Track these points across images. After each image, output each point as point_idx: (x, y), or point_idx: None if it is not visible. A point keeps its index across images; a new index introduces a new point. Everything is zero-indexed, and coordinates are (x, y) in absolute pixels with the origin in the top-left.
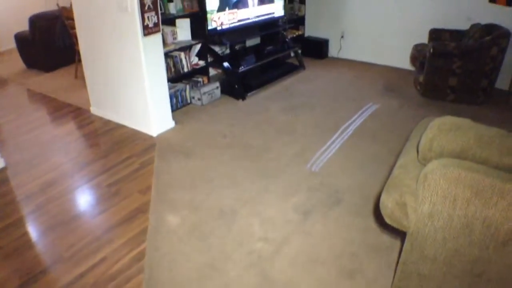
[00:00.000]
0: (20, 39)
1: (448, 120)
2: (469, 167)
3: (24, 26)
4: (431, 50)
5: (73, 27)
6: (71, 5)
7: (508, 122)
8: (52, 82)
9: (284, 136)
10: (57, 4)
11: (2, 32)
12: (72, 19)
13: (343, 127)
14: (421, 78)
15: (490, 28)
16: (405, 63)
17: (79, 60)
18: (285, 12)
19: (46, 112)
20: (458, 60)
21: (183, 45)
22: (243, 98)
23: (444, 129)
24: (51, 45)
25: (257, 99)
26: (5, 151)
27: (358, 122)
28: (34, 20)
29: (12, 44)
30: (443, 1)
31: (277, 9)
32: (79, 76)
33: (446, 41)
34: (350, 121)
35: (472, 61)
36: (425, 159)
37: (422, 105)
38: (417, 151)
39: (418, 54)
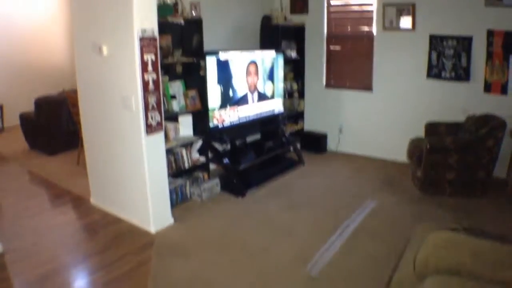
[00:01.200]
0: (25, 119)
1: (443, 236)
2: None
3: (30, 106)
4: (428, 146)
5: (78, 114)
6: (76, 91)
7: (508, 212)
8: (54, 166)
9: (283, 237)
10: (63, 89)
11: (7, 108)
12: (77, 106)
13: (342, 226)
14: (418, 173)
15: (486, 119)
16: (402, 156)
17: (82, 147)
18: (284, 108)
19: (46, 198)
20: (454, 154)
21: (184, 141)
22: (243, 195)
23: (439, 246)
24: (55, 128)
25: (256, 196)
26: (4, 236)
27: (358, 221)
28: (40, 103)
29: (16, 121)
30: (438, 94)
31: (276, 105)
32: (81, 163)
33: (442, 136)
34: (349, 220)
35: (469, 155)
36: (422, 275)
37: (420, 201)
38: (414, 265)
39: (414, 150)
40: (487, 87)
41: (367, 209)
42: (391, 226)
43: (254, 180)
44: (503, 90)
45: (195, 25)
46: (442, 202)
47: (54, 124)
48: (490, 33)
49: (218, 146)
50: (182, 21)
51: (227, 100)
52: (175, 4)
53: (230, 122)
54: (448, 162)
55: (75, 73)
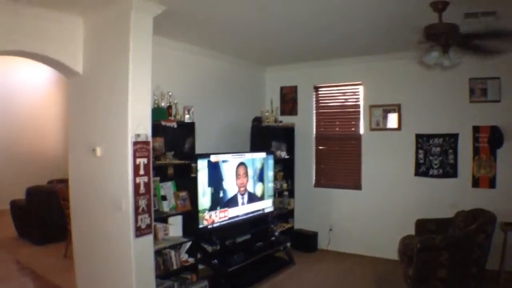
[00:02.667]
0: (15, 207)
1: None
2: None
3: (21, 194)
4: (418, 246)
5: (68, 208)
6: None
7: None
8: (42, 257)
9: None
10: (51, 180)
11: None
12: (68, 201)
13: None
14: (410, 272)
15: (475, 214)
16: (393, 254)
17: (70, 240)
18: (274, 207)
19: None
20: (445, 252)
21: (173, 241)
22: None
23: None
24: (45, 219)
25: None
26: None
27: None
28: (32, 192)
29: (6, 206)
30: (427, 191)
31: (266, 205)
32: (69, 256)
33: (433, 233)
34: None
35: (460, 252)
36: None
37: None
38: None
39: (405, 248)
40: (475, 182)
41: None
42: None
43: (244, 282)
44: (491, 184)
45: (188, 128)
46: None
47: (44, 215)
48: (476, 129)
49: (207, 247)
50: (175, 125)
51: (217, 202)
52: (169, 107)
53: (220, 223)
54: (439, 260)
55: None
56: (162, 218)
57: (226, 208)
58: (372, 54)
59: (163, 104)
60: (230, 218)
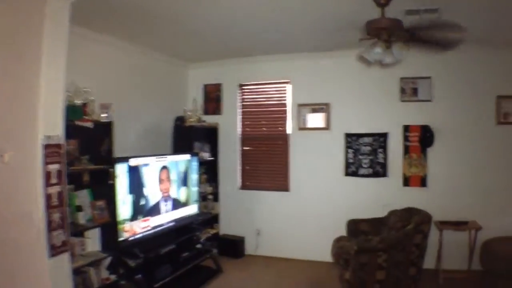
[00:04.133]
0: None
1: None
2: None
3: None
4: (355, 248)
5: None
6: None
7: None
8: None
9: None
10: None
11: None
12: None
13: None
14: (346, 275)
15: (409, 212)
16: (326, 256)
17: None
18: (199, 213)
19: None
20: (383, 254)
21: (92, 257)
22: None
23: None
24: None
25: None
26: None
27: None
28: None
29: None
30: (358, 191)
31: (191, 211)
32: None
33: (365, 234)
34: None
35: (398, 253)
36: None
37: None
38: None
39: (341, 251)
40: (406, 181)
41: None
42: None
43: None
44: (423, 183)
45: (105, 129)
46: None
47: None
48: (406, 128)
49: (129, 261)
50: (91, 125)
51: (139, 210)
52: (84, 105)
53: (143, 234)
54: (377, 262)
55: None
56: (78, 231)
57: (148, 217)
58: (300, 51)
59: (77, 101)
60: (153, 228)
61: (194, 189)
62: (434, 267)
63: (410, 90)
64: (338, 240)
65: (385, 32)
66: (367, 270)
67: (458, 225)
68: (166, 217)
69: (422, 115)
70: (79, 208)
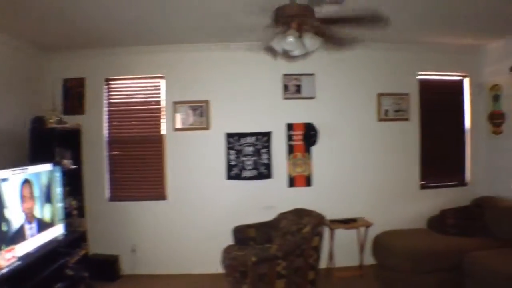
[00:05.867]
0: None
1: None
2: None
3: None
4: (253, 259)
5: None
6: None
7: None
8: None
9: None
10: None
11: None
12: None
13: None
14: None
15: (300, 214)
16: (214, 267)
17: None
18: (66, 233)
19: None
20: (282, 261)
21: None
22: None
23: None
24: None
25: None
26: None
27: None
28: None
29: None
30: (241, 195)
31: (58, 232)
32: None
33: (253, 241)
34: None
35: (297, 258)
36: None
37: None
38: None
39: (235, 263)
40: (292, 182)
41: None
42: None
43: None
44: (308, 183)
45: None
46: None
47: None
48: (290, 127)
49: None
50: None
51: (2, 238)
52: None
53: (9, 268)
54: (276, 270)
55: None
56: None
57: (13, 245)
58: (176, 43)
59: None
60: (20, 259)
61: (59, 205)
62: (326, 266)
63: (293, 87)
64: (228, 250)
65: (295, 20)
66: (267, 280)
67: (348, 222)
68: (33, 242)
69: (305, 113)
70: None
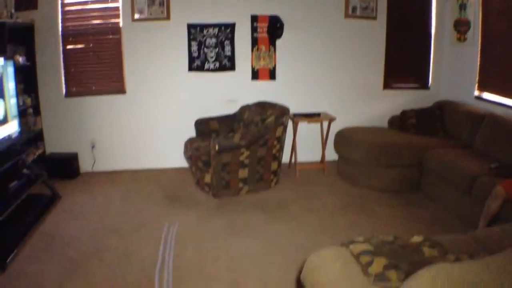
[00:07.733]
0: None
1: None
2: None
3: None
4: (217, 148)
5: None
6: None
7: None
8: None
9: None
10: None
11: None
12: None
13: (155, 273)
14: (207, 178)
15: (263, 106)
16: (177, 162)
17: None
18: (21, 131)
19: None
20: (246, 151)
21: None
22: (3, 268)
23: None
24: None
25: (20, 262)
26: None
27: (170, 260)
28: None
29: None
30: (204, 87)
31: (12, 130)
32: None
33: (216, 133)
34: (158, 261)
35: (260, 148)
36: None
37: (220, 209)
38: None
39: (197, 153)
40: (255, 74)
41: (171, 239)
42: (204, 256)
43: (10, 242)
44: (272, 76)
45: None
46: (239, 202)
47: None
48: (254, 19)
49: None
50: None
51: None
52: None
53: None
54: (240, 160)
55: None
56: None
57: None
58: None
59: None
60: None
61: (13, 101)
62: (289, 160)
63: None
64: (191, 142)
65: None
66: (230, 169)
67: (312, 116)
68: None
69: (271, 5)
70: None
